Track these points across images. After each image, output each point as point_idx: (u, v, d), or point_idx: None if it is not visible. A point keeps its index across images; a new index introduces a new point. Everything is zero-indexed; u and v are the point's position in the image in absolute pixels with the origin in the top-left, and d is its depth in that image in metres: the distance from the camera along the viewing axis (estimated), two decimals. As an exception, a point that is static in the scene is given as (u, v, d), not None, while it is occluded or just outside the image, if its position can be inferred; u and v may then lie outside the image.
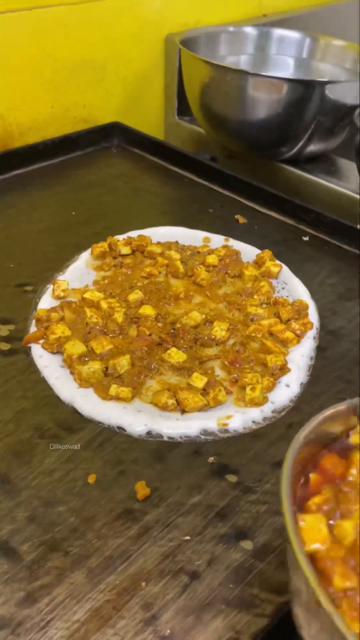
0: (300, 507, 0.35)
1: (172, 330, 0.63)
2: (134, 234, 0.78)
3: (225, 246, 0.77)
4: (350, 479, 0.37)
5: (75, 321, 0.64)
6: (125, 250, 0.74)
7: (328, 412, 0.39)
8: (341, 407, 0.40)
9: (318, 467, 0.38)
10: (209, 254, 0.75)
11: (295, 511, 0.33)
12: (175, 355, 0.60)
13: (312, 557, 0.33)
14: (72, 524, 0.46)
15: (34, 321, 0.64)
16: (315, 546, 0.33)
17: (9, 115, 0.95)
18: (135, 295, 0.66)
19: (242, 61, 1.06)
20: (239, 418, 0.55)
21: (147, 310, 0.65)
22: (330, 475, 0.37)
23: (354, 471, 0.37)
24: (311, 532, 0.33)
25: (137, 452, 0.52)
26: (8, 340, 0.63)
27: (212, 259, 0.73)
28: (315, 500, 0.35)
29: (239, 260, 0.74)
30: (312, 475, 0.37)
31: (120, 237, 0.77)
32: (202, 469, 0.51)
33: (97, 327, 0.63)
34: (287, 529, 0.32)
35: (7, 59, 0.91)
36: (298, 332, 0.64)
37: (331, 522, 0.34)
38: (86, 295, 0.66)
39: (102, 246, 0.74)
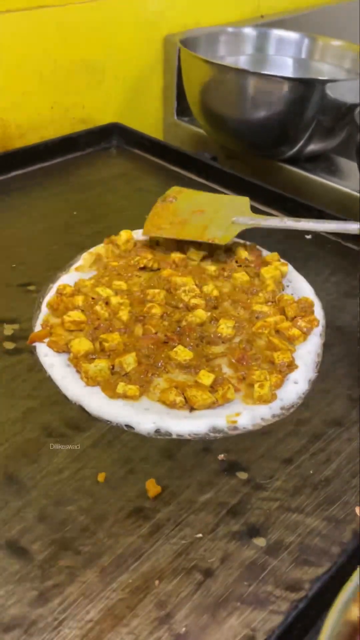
0: None
1: (177, 329, 0.63)
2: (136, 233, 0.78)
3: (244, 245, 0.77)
4: None
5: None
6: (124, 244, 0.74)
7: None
8: None
9: None
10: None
11: None
12: (182, 353, 0.59)
13: None
14: (82, 522, 0.46)
15: (38, 320, 0.64)
16: None
17: (8, 116, 0.94)
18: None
19: (242, 61, 1.06)
20: (247, 415, 0.55)
21: (153, 308, 0.64)
22: None
23: None
24: None
25: (146, 450, 0.52)
26: (13, 339, 0.62)
27: (243, 253, 0.74)
28: None
29: (261, 258, 0.75)
30: None
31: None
32: (212, 466, 0.51)
33: (102, 326, 0.62)
34: None
35: (6, 60, 0.90)
36: (304, 329, 0.64)
37: None
38: (98, 289, 0.66)
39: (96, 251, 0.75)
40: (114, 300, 0.65)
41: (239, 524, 0.46)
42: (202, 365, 0.59)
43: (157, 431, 0.53)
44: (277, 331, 0.63)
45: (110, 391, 0.56)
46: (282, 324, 0.64)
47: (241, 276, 0.70)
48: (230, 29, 1.06)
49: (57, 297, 0.65)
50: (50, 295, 0.67)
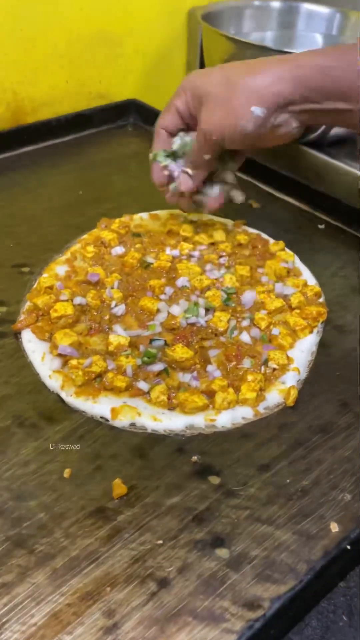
0: None
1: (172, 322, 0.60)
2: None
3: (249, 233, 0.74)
4: None
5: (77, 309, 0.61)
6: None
7: None
8: None
9: None
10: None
11: None
12: (180, 351, 0.56)
13: None
14: (40, 520, 0.44)
15: (26, 305, 0.62)
16: None
17: (21, 90, 0.92)
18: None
19: (267, 38, 1.02)
20: (227, 414, 0.52)
21: (147, 303, 0.61)
22: None
23: None
24: None
25: (118, 447, 0.50)
26: (-1, 322, 0.61)
27: (242, 238, 0.71)
28: None
29: (267, 248, 0.71)
30: None
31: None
32: (184, 468, 0.48)
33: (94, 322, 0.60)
34: None
35: (19, 31, 0.88)
36: (309, 319, 0.60)
37: None
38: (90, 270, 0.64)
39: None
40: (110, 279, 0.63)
41: (203, 532, 0.44)
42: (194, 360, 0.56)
43: (133, 424, 0.51)
44: (282, 322, 0.60)
45: (90, 387, 0.54)
46: (286, 314, 0.61)
47: (242, 269, 0.66)
48: (256, 2, 1.01)
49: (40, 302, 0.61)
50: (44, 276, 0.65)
